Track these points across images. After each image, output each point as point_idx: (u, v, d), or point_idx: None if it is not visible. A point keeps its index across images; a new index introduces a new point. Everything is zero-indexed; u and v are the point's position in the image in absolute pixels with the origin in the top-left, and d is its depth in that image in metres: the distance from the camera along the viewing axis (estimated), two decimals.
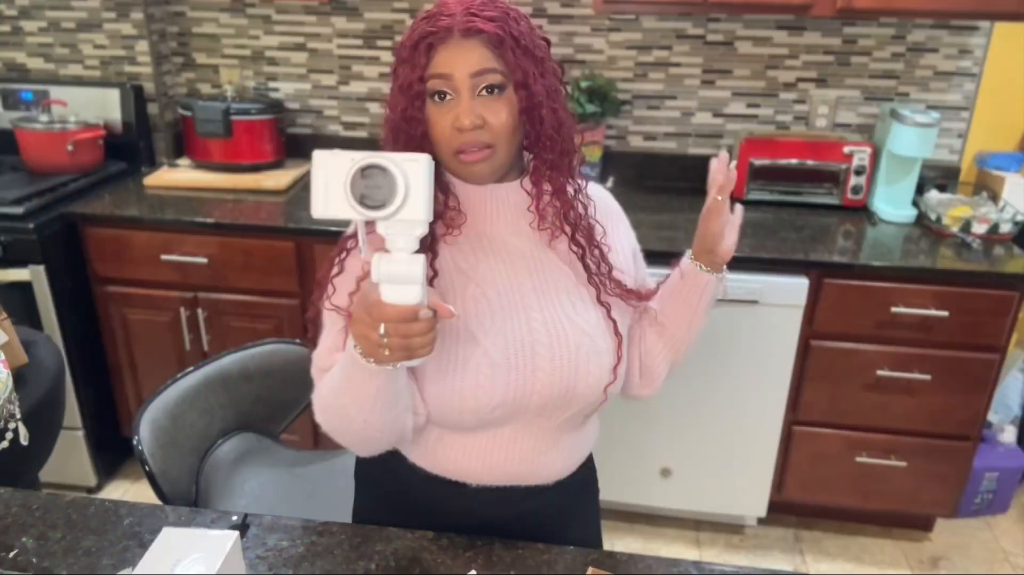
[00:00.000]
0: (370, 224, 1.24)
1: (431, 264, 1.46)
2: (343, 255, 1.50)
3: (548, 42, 1.49)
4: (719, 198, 1.60)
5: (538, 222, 1.54)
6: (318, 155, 1.20)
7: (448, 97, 1.40)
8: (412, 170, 1.18)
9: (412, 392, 1.47)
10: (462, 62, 1.38)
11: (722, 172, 1.60)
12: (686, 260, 1.69)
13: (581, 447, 1.70)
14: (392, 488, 1.68)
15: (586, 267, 1.55)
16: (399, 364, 1.30)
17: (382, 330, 1.21)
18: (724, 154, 1.63)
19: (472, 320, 1.48)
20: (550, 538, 1.62)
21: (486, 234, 1.55)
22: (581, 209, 1.56)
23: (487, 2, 1.41)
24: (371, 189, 1.17)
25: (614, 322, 1.56)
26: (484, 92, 1.40)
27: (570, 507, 1.74)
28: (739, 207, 1.68)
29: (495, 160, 1.45)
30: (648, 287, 1.72)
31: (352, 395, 1.38)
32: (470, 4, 1.39)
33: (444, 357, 1.45)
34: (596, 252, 1.56)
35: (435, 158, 1.35)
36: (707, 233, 1.63)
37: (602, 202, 1.67)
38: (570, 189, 1.54)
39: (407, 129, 1.42)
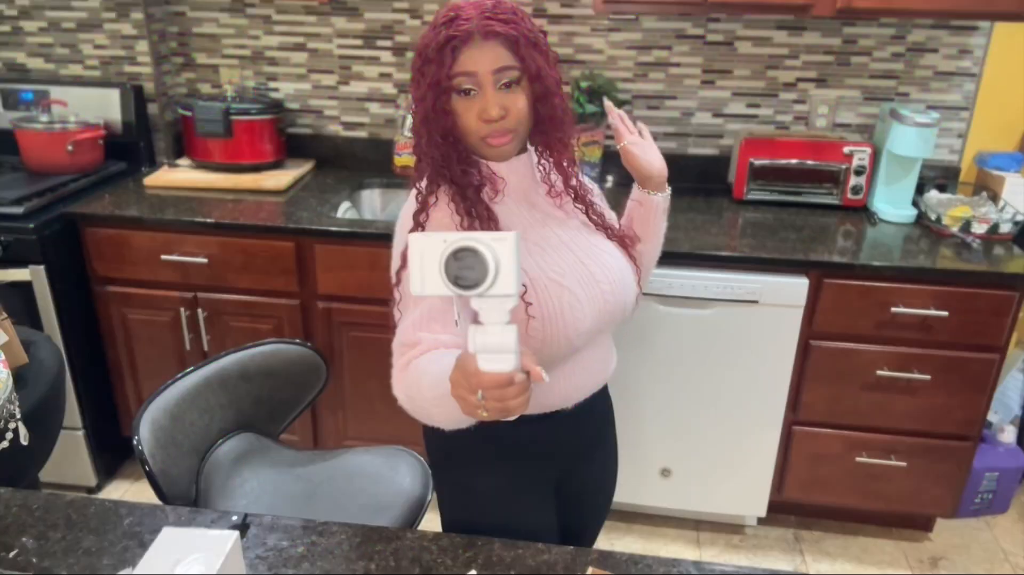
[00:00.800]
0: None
1: (495, 227, 1.69)
2: (419, 229, 1.70)
3: (545, 34, 1.72)
4: (624, 144, 1.96)
5: (550, 190, 1.84)
6: (413, 238, 1.25)
7: (473, 92, 1.63)
8: (501, 249, 1.22)
9: None
10: (485, 61, 1.60)
11: (615, 118, 1.99)
12: (637, 192, 2.03)
13: (613, 349, 2.00)
14: (505, 445, 1.86)
15: (591, 219, 1.87)
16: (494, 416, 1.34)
17: (480, 395, 1.27)
18: (608, 102, 2.04)
19: (551, 270, 1.72)
20: (603, 445, 2.08)
21: (525, 199, 1.81)
22: (576, 177, 1.87)
23: (498, 4, 1.63)
24: (464, 270, 1.21)
25: (627, 248, 1.90)
26: (503, 87, 1.63)
27: (609, 410, 2.11)
28: (641, 125, 2.03)
29: (516, 141, 1.71)
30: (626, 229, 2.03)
31: (444, 410, 1.46)
32: (483, 8, 1.60)
33: (541, 306, 1.67)
34: (595, 208, 1.89)
35: (463, 141, 1.70)
36: (637, 169, 1.98)
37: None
38: (567, 163, 1.82)
39: (437, 120, 1.64)
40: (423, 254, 1.24)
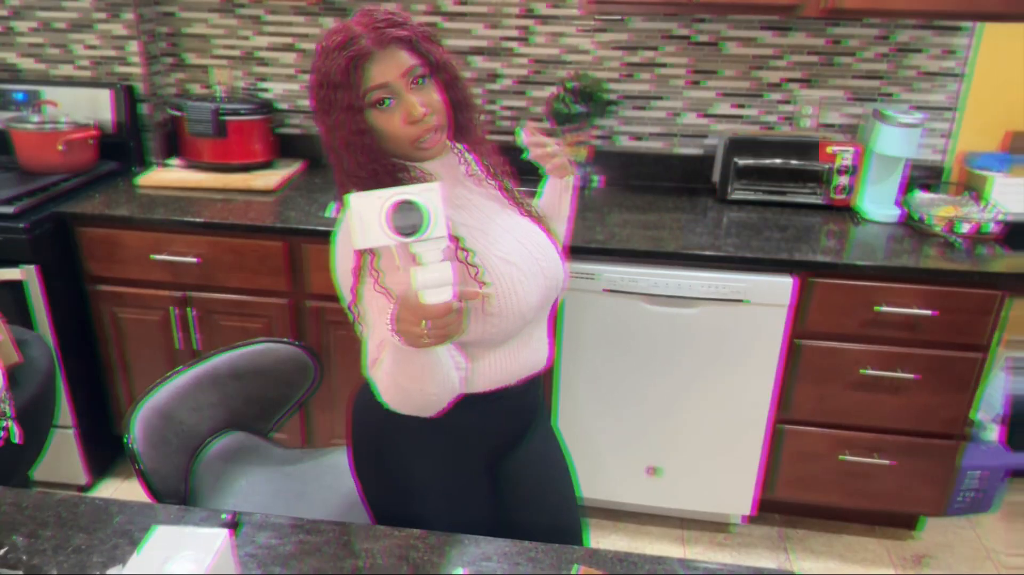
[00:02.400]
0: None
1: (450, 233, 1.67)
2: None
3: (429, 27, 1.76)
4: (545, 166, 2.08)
5: (468, 169, 1.87)
6: (351, 198, 1.41)
7: (389, 101, 1.65)
8: (431, 197, 1.40)
9: (451, 353, 1.72)
10: (392, 68, 1.62)
11: (531, 143, 2.03)
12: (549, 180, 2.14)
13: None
14: (441, 434, 1.89)
15: (507, 193, 1.91)
16: (437, 346, 1.54)
17: (424, 325, 1.42)
18: (525, 130, 2.05)
19: (497, 250, 1.75)
20: (537, 431, 2.05)
21: (458, 188, 1.83)
22: (490, 156, 1.90)
23: (380, 12, 1.66)
24: (402, 220, 1.39)
25: (539, 222, 1.92)
26: (415, 84, 1.65)
27: (541, 400, 2.11)
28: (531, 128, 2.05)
29: (443, 134, 1.73)
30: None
31: (405, 374, 1.60)
32: (370, 21, 1.63)
33: (498, 284, 1.72)
34: (508, 182, 1.92)
35: (388, 155, 1.71)
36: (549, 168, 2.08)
37: None
38: (478, 142, 1.87)
39: (360, 142, 1.65)
40: (362, 212, 1.40)
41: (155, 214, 3.20)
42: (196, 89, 3.94)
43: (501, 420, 1.93)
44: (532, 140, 2.01)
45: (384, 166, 1.69)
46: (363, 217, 1.40)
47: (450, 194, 1.77)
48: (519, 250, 1.78)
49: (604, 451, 3.25)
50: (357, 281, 1.67)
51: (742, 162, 3.34)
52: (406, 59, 1.63)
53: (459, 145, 1.86)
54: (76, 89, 3.72)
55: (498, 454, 1.97)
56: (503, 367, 1.83)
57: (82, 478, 3.57)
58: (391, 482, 1.92)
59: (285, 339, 2.41)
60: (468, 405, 1.80)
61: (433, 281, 1.41)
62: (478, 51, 3.67)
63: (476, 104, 1.85)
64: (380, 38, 1.61)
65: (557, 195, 2.14)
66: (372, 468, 1.96)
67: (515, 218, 1.87)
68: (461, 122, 1.80)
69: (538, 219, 1.92)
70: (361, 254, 1.64)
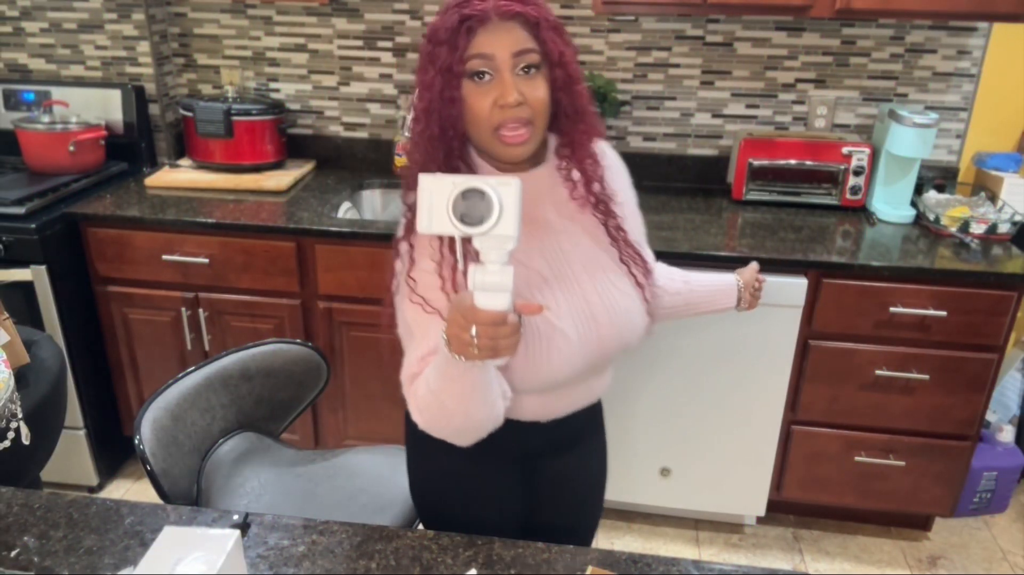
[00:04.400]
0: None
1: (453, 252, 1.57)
2: (408, 251, 1.60)
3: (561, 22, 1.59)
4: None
5: (573, 191, 1.68)
6: (423, 178, 1.32)
7: (487, 77, 1.51)
8: (506, 192, 1.31)
9: (500, 379, 1.58)
10: (503, 42, 1.48)
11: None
12: (732, 286, 2.10)
13: (606, 379, 1.89)
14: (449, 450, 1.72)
15: (609, 233, 1.71)
16: (499, 360, 1.46)
17: (473, 331, 1.32)
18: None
19: (552, 312, 1.61)
20: (581, 445, 1.94)
21: (528, 217, 1.56)
22: (599, 181, 1.70)
23: None
24: (470, 209, 1.30)
25: (635, 276, 1.72)
26: (521, 71, 1.51)
27: (593, 424, 1.99)
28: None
29: (534, 138, 1.56)
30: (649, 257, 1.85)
31: (450, 392, 1.48)
32: None
33: (527, 341, 1.58)
34: (614, 220, 1.72)
35: (469, 140, 1.59)
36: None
37: (607, 160, 1.79)
38: (590, 162, 1.68)
39: (443, 109, 1.52)
40: (432, 194, 1.32)
41: (165, 215, 3.19)
42: (206, 89, 3.94)
43: (541, 443, 1.85)
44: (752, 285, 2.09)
45: (457, 147, 1.57)
46: (432, 199, 1.33)
47: (533, 219, 1.64)
48: (580, 310, 1.63)
49: (617, 452, 3.22)
50: (393, 285, 1.64)
51: (757, 163, 3.33)
52: (522, 39, 1.50)
53: (563, 162, 1.68)
54: (86, 89, 3.72)
55: (533, 466, 1.90)
56: (545, 404, 1.75)
57: (92, 479, 3.57)
58: (420, 471, 1.92)
59: (295, 340, 2.41)
60: (507, 428, 1.67)
61: (490, 284, 1.32)
62: None
63: (594, 119, 1.66)
64: (502, 7, 1.48)
65: (713, 306, 2.10)
66: (411, 456, 1.94)
67: (603, 263, 1.70)
68: (569, 134, 1.64)
69: (634, 264, 1.72)
70: (399, 258, 1.61)
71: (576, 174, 1.68)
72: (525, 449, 1.85)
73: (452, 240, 1.48)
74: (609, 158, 1.80)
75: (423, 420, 1.58)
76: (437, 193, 1.32)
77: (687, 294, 2.04)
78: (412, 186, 1.47)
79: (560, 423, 1.81)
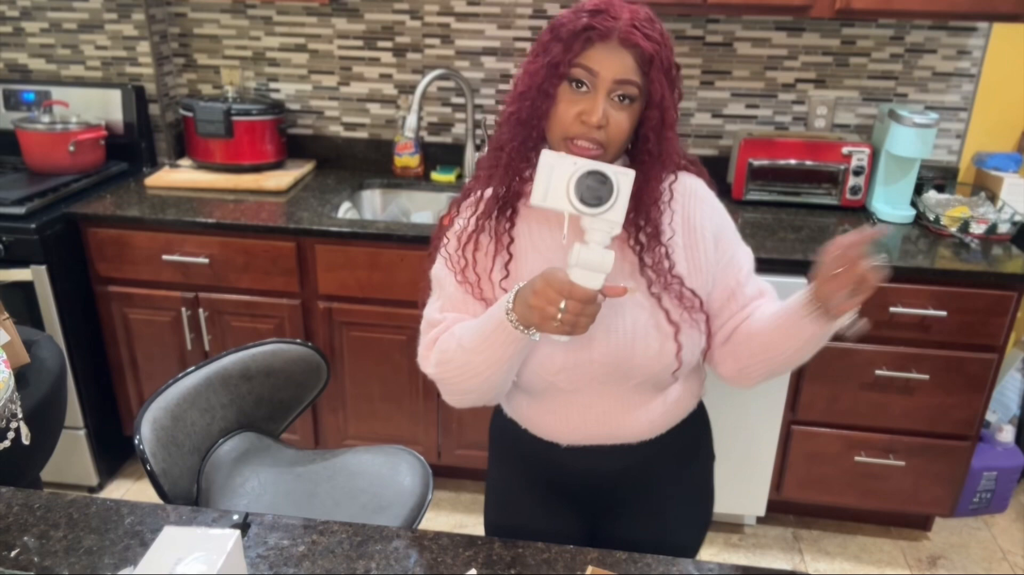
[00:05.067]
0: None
1: (509, 231, 1.68)
2: (455, 216, 1.73)
3: (679, 67, 1.59)
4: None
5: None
6: (546, 153, 1.44)
7: (584, 89, 1.52)
8: (624, 181, 1.41)
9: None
10: (612, 65, 1.49)
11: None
12: (799, 297, 1.65)
13: (668, 411, 1.78)
14: (513, 447, 1.89)
15: (642, 261, 1.64)
16: (557, 336, 1.47)
17: (563, 305, 1.40)
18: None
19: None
20: (647, 493, 1.85)
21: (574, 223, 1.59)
22: (655, 213, 1.64)
23: (650, 20, 1.52)
24: (590, 190, 1.40)
25: (665, 311, 1.64)
26: (616, 98, 1.52)
27: (667, 465, 1.85)
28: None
29: (603, 159, 1.53)
30: (705, 298, 1.71)
31: (487, 354, 1.56)
32: (636, 16, 1.50)
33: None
34: (659, 251, 1.64)
35: (545, 133, 1.59)
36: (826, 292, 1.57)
37: (691, 198, 1.75)
38: (659, 192, 1.65)
39: (537, 100, 1.55)
40: (553, 170, 1.42)
41: (165, 215, 3.19)
42: (206, 89, 3.94)
43: (575, 478, 1.83)
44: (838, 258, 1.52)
45: (536, 140, 1.60)
46: (552, 175, 1.42)
47: (546, 223, 1.67)
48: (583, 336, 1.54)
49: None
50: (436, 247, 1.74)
51: (757, 163, 3.33)
52: (630, 69, 1.50)
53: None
54: (86, 90, 3.72)
55: (593, 518, 1.89)
56: (543, 420, 1.78)
57: (92, 479, 3.57)
58: (488, 479, 2.03)
59: (295, 340, 2.41)
60: (531, 443, 1.82)
61: (591, 263, 1.40)
62: (490, 52, 3.66)
63: (667, 165, 1.64)
64: (627, 33, 1.48)
65: (789, 332, 1.66)
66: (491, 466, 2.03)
67: (630, 278, 1.65)
68: (645, 172, 1.58)
69: (669, 296, 1.64)
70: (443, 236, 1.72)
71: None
72: (563, 479, 1.85)
73: (478, 229, 1.66)
74: (685, 192, 1.74)
75: (439, 372, 1.67)
76: (559, 169, 1.41)
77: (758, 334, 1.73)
78: (485, 167, 1.70)
79: (584, 454, 1.78)
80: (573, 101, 1.52)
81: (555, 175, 1.41)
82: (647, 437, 1.78)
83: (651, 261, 1.64)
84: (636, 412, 1.74)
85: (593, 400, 1.71)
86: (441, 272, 1.71)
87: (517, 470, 1.91)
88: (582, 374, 1.66)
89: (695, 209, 1.73)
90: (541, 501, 1.89)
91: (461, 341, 1.61)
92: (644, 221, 1.63)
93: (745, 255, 1.79)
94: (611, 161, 1.55)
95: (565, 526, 1.88)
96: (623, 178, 1.42)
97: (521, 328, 1.49)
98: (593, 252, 1.40)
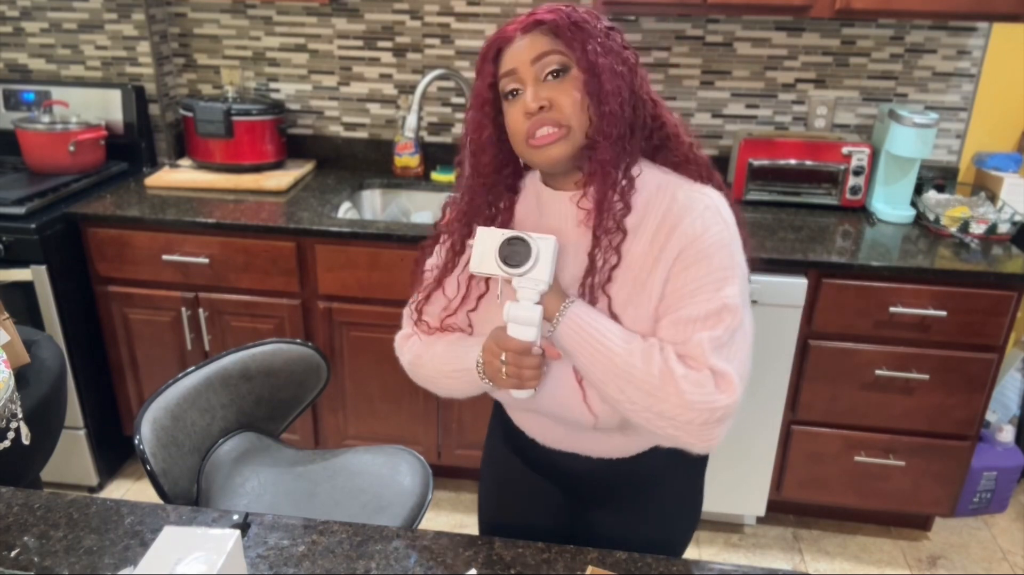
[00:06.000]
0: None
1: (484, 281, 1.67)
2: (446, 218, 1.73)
3: (618, 32, 1.52)
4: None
5: (583, 219, 1.56)
6: (481, 230, 1.54)
7: (518, 91, 1.49)
8: (544, 244, 1.49)
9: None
10: (521, 53, 1.46)
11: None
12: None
13: (642, 438, 1.71)
14: (503, 428, 1.93)
15: (591, 263, 1.53)
16: (523, 393, 1.57)
17: (503, 357, 1.50)
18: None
19: (485, 319, 1.65)
20: (631, 491, 1.80)
21: (543, 229, 1.60)
22: (610, 211, 1.50)
23: (553, 4, 1.51)
24: (512, 254, 1.49)
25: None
26: (550, 77, 1.46)
27: (651, 470, 1.77)
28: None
29: (570, 141, 1.46)
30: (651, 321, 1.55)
31: (455, 381, 1.68)
32: (536, 10, 1.49)
33: (492, 320, 1.63)
34: (606, 257, 1.52)
35: (518, 155, 1.58)
36: None
37: (671, 203, 1.52)
38: (618, 179, 1.50)
39: (473, 135, 1.59)
40: (484, 241, 1.52)
41: (165, 215, 3.19)
42: (206, 89, 3.94)
43: (559, 473, 1.82)
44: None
45: (504, 188, 1.63)
46: (484, 244, 1.52)
47: (547, 231, 1.57)
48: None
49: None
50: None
51: (757, 163, 3.33)
52: (543, 44, 1.45)
53: (583, 183, 1.54)
54: (86, 90, 3.72)
55: (574, 499, 1.86)
56: (527, 419, 1.80)
57: (92, 479, 3.57)
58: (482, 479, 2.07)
59: (295, 340, 2.41)
60: (518, 433, 1.85)
61: (521, 318, 1.50)
62: None
63: (611, 141, 1.47)
64: (527, 22, 1.47)
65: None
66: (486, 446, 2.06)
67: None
68: (597, 148, 1.48)
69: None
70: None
71: (589, 200, 1.53)
72: (548, 471, 1.84)
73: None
74: (688, 214, 1.50)
75: (411, 369, 1.78)
76: (488, 239, 1.52)
77: None
78: (457, 214, 1.67)
79: (561, 456, 1.77)
80: (514, 108, 1.49)
81: (486, 245, 1.52)
82: (618, 456, 1.73)
83: (600, 264, 1.53)
84: (603, 439, 1.70)
85: (558, 423, 1.70)
86: (430, 275, 1.75)
87: (509, 454, 1.92)
88: (536, 401, 1.62)
89: (675, 232, 1.50)
90: (529, 487, 1.90)
91: (435, 358, 1.70)
92: (604, 216, 1.50)
93: (702, 303, 1.50)
94: (581, 140, 1.47)
95: (552, 514, 1.89)
96: (543, 241, 1.49)
97: (486, 380, 1.59)
98: (523, 308, 1.50)
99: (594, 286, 1.52)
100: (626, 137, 1.49)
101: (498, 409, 1.95)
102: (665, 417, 1.46)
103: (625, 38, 1.52)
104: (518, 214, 1.67)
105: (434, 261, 1.75)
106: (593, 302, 1.52)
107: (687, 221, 1.48)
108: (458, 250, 1.67)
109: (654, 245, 1.50)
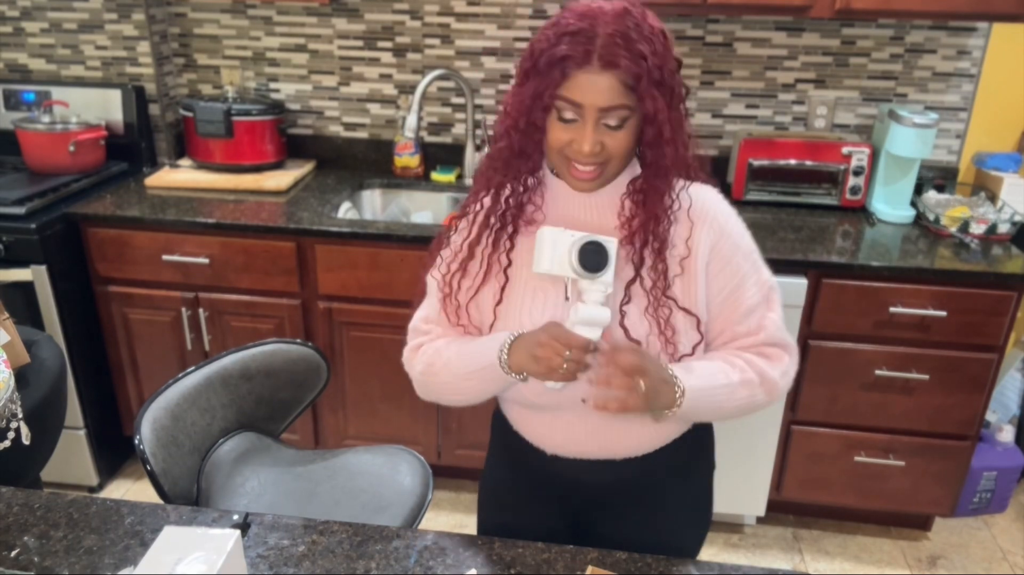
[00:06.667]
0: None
1: (508, 252, 1.66)
2: (451, 233, 1.74)
3: (679, 63, 1.53)
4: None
5: (626, 233, 1.60)
6: (546, 230, 1.56)
7: (571, 118, 1.48)
8: (614, 248, 1.55)
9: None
10: (595, 94, 1.43)
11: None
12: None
13: (661, 429, 1.72)
14: (506, 441, 1.88)
15: (639, 277, 1.60)
16: (557, 384, 1.56)
17: (567, 354, 1.47)
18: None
19: (521, 316, 1.64)
20: (639, 502, 1.80)
21: (567, 221, 1.64)
22: (664, 226, 1.60)
23: (637, 27, 1.44)
24: (590, 258, 1.53)
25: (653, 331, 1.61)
26: (606, 125, 1.47)
27: (661, 478, 1.80)
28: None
29: (605, 176, 1.56)
30: (704, 319, 1.65)
31: (473, 383, 1.67)
32: (617, 29, 1.42)
33: (497, 324, 1.68)
34: (659, 268, 1.60)
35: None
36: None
37: (701, 215, 1.63)
38: (665, 204, 1.59)
39: (526, 132, 1.53)
40: (555, 244, 1.54)
41: (165, 215, 3.19)
42: (206, 89, 3.94)
43: (564, 483, 1.80)
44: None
45: (534, 168, 1.61)
46: (555, 248, 1.54)
47: (571, 225, 1.62)
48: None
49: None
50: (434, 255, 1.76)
51: (757, 163, 3.33)
52: (617, 94, 1.43)
53: (634, 203, 1.60)
54: (86, 90, 3.72)
55: (581, 510, 1.85)
56: (531, 424, 1.78)
57: (92, 479, 3.57)
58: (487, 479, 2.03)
59: (295, 340, 2.41)
60: (522, 443, 1.82)
61: (591, 320, 1.53)
62: (490, 52, 3.66)
63: (671, 176, 1.57)
64: (607, 55, 1.41)
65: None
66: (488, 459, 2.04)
67: (620, 301, 1.61)
68: (647, 181, 1.57)
69: (652, 314, 1.60)
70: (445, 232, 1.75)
71: (628, 207, 1.60)
72: (552, 482, 1.82)
73: (475, 240, 1.68)
74: (696, 206, 1.63)
75: (423, 379, 1.76)
76: (560, 243, 1.54)
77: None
78: (481, 185, 1.69)
79: (571, 465, 1.75)
80: (564, 130, 1.49)
81: (558, 247, 1.54)
82: (637, 454, 1.74)
83: (650, 279, 1.60)
84: (624, 430, 1.70)
85: (579, 418, 1.68)
86: (432, 285, 1.77)
87: (510, 465, 1.91)
88: (566, 395, 1.63)
89: (703, 227, 1.63)
90: (530, 499, 1.88)
91: (449, 363, 1.69)
92: (651, 236, 1.58)
93: (753, 287, 1.66)
94: (619, 172, 1.58)
95: (554, 526, 1.86)
96: (613, 245, 1.55)
97: (513, 374, 1.58)
98: (592, 310, 1.53)
99: (658, 295, 1.60)
100: (672, 171, 1.57)
101: (498, 421, 1.92)
102: (762, 406, 1.68)
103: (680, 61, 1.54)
104: (548, 201, 1.68)
105: (431, 278, 1.77)
106: (660, 308, 1.60)
107: (711, 214, 1.64)
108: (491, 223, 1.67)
109: (688, 241, 1.62)
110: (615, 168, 1.56)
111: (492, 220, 1.66)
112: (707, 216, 1.63)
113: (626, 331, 1.59)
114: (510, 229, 1.66)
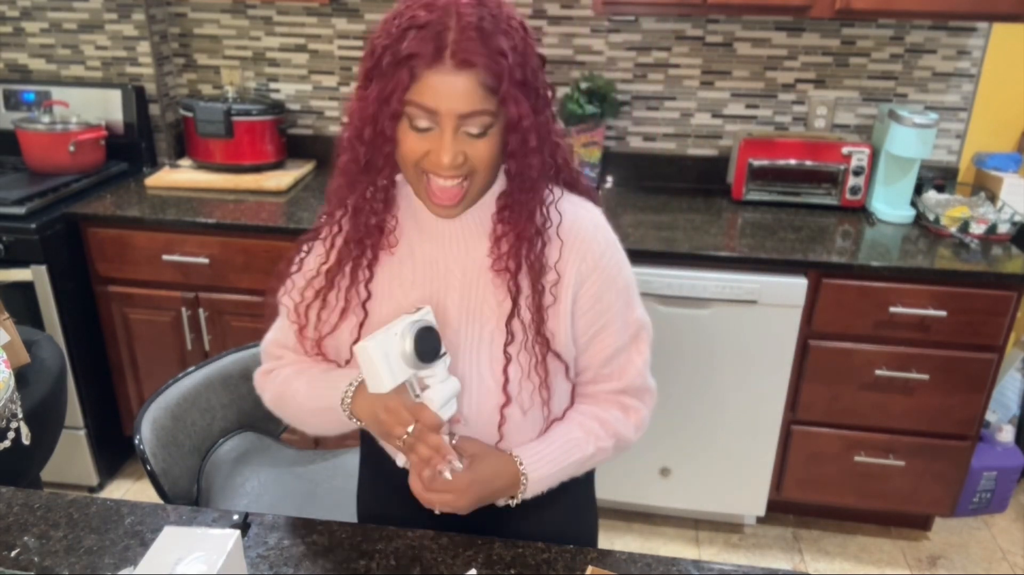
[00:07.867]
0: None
1: (366, 285, 1.55)
2: (303, 254, 1.65)
3: (543, 59, 1.38)
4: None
5: (494, 250, 1.47)
6: (367, 344, 1.37)
7: (428, 129, 1.31)
8: (432, 317, 1.43)
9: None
10: (451, 99, 1.27)
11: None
12: None
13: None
14: (378, 469, 1.75)
15: (514, 306, 1.47)
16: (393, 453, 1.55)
17: (410, 429, 1.40)
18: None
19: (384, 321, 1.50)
20: (508, 514, 1.61)
21: (429, 257, 1.52)
22: (539, 248, 1.45)
23: (495, 15, 1.28)
24: (425, 346, 1.38)
25: (507, 363, 1.50)
26: (472, 131, 1.31)
27: (536, 503, 1.61)
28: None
29: (469, 196, 1.40)
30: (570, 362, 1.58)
31: (319, 420, 1.63)
32: (470, 21, 1.25)
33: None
34: (533, 297, 1.47)
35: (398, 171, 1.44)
36: None
37: (572, 232, 1.49)
38: (537, 222, 1.44)
39: (372, 143, 1.36)
40: (386, 352, 1.37)
41: (165, 215, 3.19)
42: (206, 90, 3.94)
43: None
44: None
45: (386, 185, 1.45)
46: (388, 359, 1.38)
47: (433, 261, 1.51)
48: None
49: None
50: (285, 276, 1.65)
51: (757, 163, 3.33)
52: (476, 97, 1.27)
53: (502, 223, 1.45)
54: (86, 90, 3.72)
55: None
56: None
57: (92, 479, 3.57)
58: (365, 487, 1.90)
59: None
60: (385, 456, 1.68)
61: (446, 397, 1.43)
62: None
63: (540, 190, 1.42)
64: (462, 52, 1.24)
65: None
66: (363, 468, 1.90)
67: (481, 333, 1.50)
68: (513, 196, 1.42)
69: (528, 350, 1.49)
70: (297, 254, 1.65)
71: (500, 229, 1.46)
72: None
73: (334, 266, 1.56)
74: (581, 236, 1.49)
75: (273, 407, 1.71)
76: (390, 348, 1.38)
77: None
78: (334, 205, 1.60)
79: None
80: (417, 140, 1.32)
81: (390, 356, 1.37)
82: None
83: (529, 311, 1.48)
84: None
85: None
86: (284, 308, 1.65)
87: (379, 486, 1.79)
88: None
89: (573, 254, 1.48)
90: (403, 499, 1.62)
91: (296, 395, 1.63)
92: (523, 260, 1.44)
93: (622, 328, 1.59)
94: (485, 188, 1.43)
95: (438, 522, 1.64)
96: (431, 316, 1.43)
97: (355, 419, 1.53)
98: (444, 390, 1.43)
99: (536, 330, 1.48)
100: (541, 182, 1.43)
101: (366, 436, 1.75)
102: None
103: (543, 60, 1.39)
104: (403, 222, 1.55)
105: (285, 297, 1.65)
106: (538, 347, 1.49)
107: (586, 242, 1.49)
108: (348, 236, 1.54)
109: (557, 265, 1.48)
110: (480, 183, 1.39)
111: (351, 247, 1.53)
112: (579, 242, 1.48)
113: (507, 379, 1.49)
114: (369, 255, 1.52)
